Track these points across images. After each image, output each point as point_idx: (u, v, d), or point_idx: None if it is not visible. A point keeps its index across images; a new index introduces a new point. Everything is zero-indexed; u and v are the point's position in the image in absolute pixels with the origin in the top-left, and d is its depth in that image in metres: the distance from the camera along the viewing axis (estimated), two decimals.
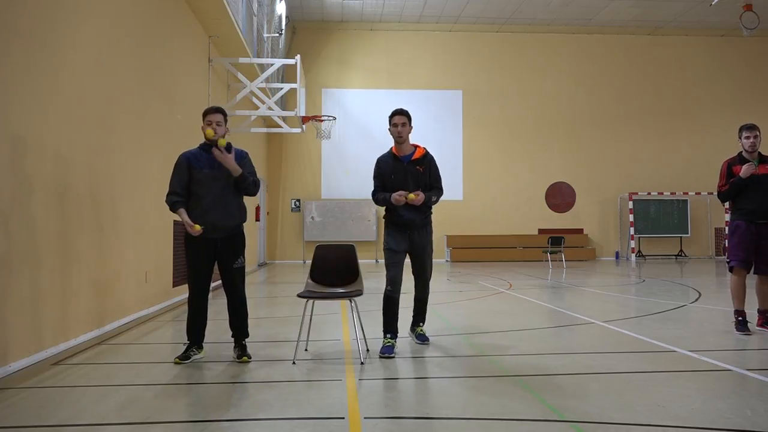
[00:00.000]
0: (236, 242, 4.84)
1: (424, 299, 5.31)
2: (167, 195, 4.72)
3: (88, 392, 3.91)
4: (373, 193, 5.15)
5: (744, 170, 5.61)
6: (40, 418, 3.35)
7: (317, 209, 19.69)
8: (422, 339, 5.27)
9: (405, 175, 5.02)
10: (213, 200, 4.64)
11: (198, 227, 4.54)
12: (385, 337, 4.96)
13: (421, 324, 5.39)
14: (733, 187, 5.73)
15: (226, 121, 4.83)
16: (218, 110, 4.81)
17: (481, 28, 20.49)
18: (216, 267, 4.87)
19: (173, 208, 4.67)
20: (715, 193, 6.06)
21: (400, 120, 5.02)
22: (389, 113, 5.08)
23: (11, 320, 4.30)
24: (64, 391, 3.93)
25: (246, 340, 4.86)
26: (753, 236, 5.66)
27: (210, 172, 4.67)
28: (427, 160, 5.13)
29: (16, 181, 4.40)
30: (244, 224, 4.96)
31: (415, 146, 5.15)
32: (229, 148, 4.76)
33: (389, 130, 5.09)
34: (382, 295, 5.03)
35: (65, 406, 3.56)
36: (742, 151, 5.84)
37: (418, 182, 5.04)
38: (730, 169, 5.84)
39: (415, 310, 5.37)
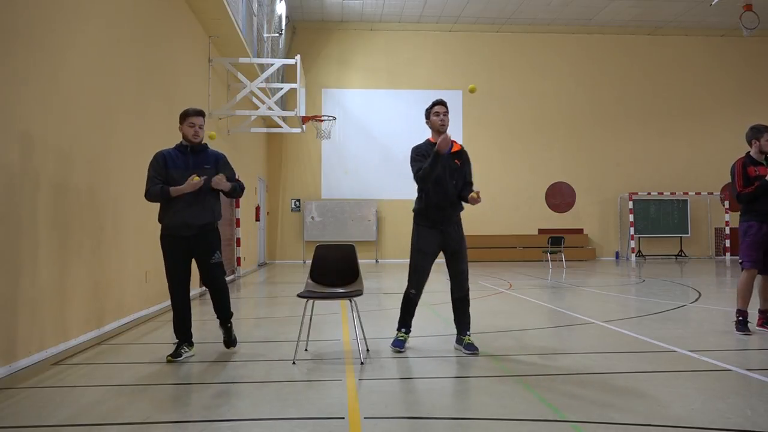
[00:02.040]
0: (210, 238, 4.87)
1: (465, 299, 4.97)
2: (149, 189, 4.71)
3: (88, 392, 3.91)
4: (416, 171, 4.91)
5: None
6: (40, 418, 3.35)
7: (317, 209, 19.68)
8: (471, 349, 4.78)
9: (444, 168, 4.92)
10: (187, 200, 4.69)
11: (195, 177, 4.59)
12: (399, 331, 5.02)
13: (468, 333, 4.94)
14: (758, 189, 5.65)
15: (204, 122, 4.96)
16: (201, 112, 4.92)
17: (481, 28, 20.48)
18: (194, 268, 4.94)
19: (162, 192, 4.64)
20: (717, 194, 6.07)
21: (442, 109, 5.04)
22: (429, 105, 5.10)
23: (11, 320, 4.31)
24: (64, 391, 3.93)
25: (232, 319, 5.00)
26: (765, 236, 5.69)
27: (186, 173, 4.72)
28: (464, 154, 5.11)
29: (15, 182, 4.40)
30: (225, 221, 5.05)
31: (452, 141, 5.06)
32: (204, 148, 4.93)
33: (429, 121, 5.08)
34: (403, 294, 5.06)
35: (65, 406, 3.56)
36: (750, 152, 5.83)
37: (454, 176, 4.96)
38: (745, 169, 5.78)
39: (456, 316, 5.00)
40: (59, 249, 5.04)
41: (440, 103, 5.07)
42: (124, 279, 6.57)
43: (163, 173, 4.73)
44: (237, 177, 5.05)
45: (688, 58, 21.17)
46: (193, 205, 4.71)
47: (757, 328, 5.78)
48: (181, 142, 4.89)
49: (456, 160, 5.02)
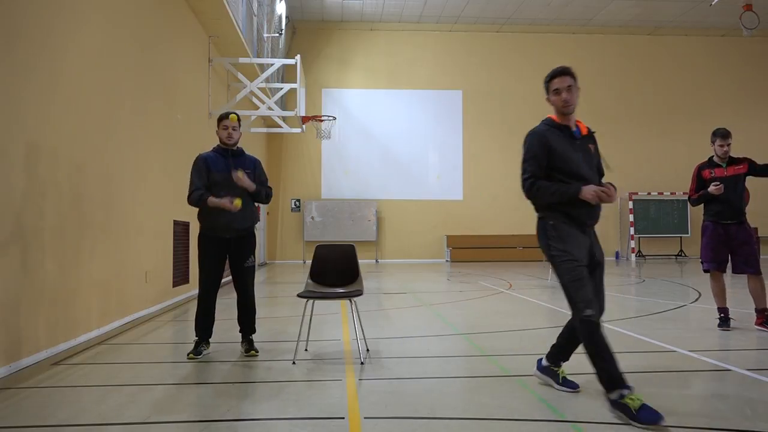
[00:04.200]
0: (247, 242, 5.01)
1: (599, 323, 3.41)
2: (191, 193, 4.86)
3: (88, 392, 3.91)
4: (529, 181, 3.67)
5: (713, 190, 5.79)
6: (40, 418, 3.35)
7: (317, 209, 19.69)
8: (572, 386, 3.76)
9: (583, 157, 3.60)
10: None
11: (238, 201, 4.70)
12: (622, 393, 3.22)
13: (561, 365, 3.85)
14: (701, 198, 5.99)
15: (240, 124, 5.08)
16: (234, 114, 5.04)
17: (481, 28, 20.48)
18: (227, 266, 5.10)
19: (200, 200, 4.81)
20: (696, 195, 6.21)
21: (563, 82, 3.58)
22: (546, 77, 3.69)
23: (12, 320, 4.31)
24: (64, 391, 3.93)
25: (253, 335, 5.05)
26: (722, 236, 5.87)
27: (227, 175, 4.85)
28: (594, 138, 3.79)
29: (15, 182, 4.40)
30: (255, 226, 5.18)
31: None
32: (242, 152, 5.07)
33: (549, 99, 3.71)
34: (580, 326, 3.39)
35: (65, 406, 3.56)
36: (713, 156, 6.07)
37: (591, 166, 3.63)
38: (699, 173, 6.09)
39: (567, 344, 3.90)
40: (59, 249, 5.04)
41: (562, 72, 3.60)
42: (124, 279, 6.57)
43: (206, 176, 4.86)
44: (268, 183, 5.18)
45: (688, 58, 21.17)
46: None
47: (756, 327, 5.80)
48: (218, 145, 5.02)
49: (590, 145, 3.71)
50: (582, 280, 3.42)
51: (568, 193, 3.47)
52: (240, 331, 5.02)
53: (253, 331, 5.04)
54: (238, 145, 5.10)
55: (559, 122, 3.69)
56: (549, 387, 3.84)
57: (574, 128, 3.67)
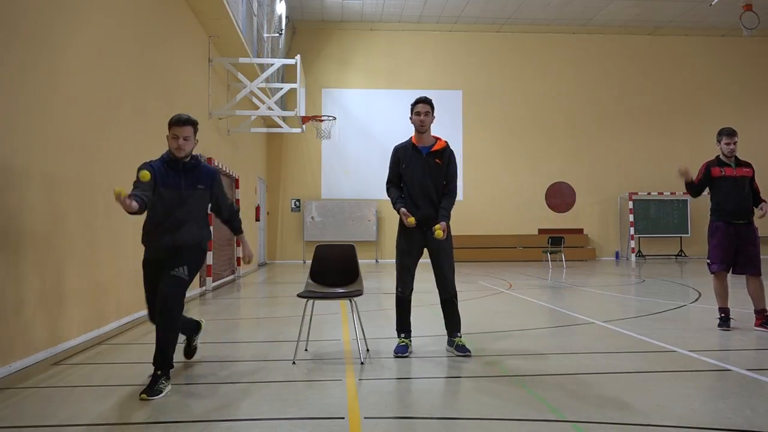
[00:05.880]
0: (186, 254, 4.11)
1: (451, 301, 4.88)
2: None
3: (88, 392, 3.92)
4: (387, 184, 5.00)
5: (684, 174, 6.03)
6: (40, 418, 3.35)
7: (317, 209, 19.68)
8: (463, 351, 4.72)
9: (423, 167, 4.82)
10: (171, 222, 4.11)
11: (118, 189, 3.73)
12: (399, 336, 4.91)
13: (458, 334, 4.86)
14: (701, 186, 6.06)
15: (196, 132, 4.17)
16: (188, 122, 4.08)
17: (481, 28, 20.48)
18: None
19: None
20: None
21: (423, 108, 4.84)
22: (412, 102, 4.93)
23: (12, 320, 4.31)
24: (64, 391, 3.93)
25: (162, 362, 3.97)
26: (732, 237, 5.85)
27: (175, 194, 4.11)
28: (447, 153, 4.93)
29: (15, 182, 4.40)
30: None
31: (436, 138, 4.97)
32: (196, 162, 4.23)
33: (411, 118, 4.91)
34: (394, 296, 4.97)
35: (65, 406, 3.56)
36: (719, 155, 6.08)
37: (434, 176, 4.83)
38: (708, 170, 6.07)
39: (445, 318, 4.94)
40: (59, 249, 5.04)
41: (423, 101, 4.87)
42: (124, 279, 6.57)
43: (150, 188, 4.04)
44: (229, 200, 4.52)
45: (688, 58, 21.16)
46: (174, 228, 4.11)
47: (755, 328, 5.80)
48: (168, 152, 4.15)
49: (437, 160, 4.86)
50: (402, 267, 4.85)
51: (395, 205, 4.83)
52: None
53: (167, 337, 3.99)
54: (194, 152, 4.27)
55: (414, 141, 4.92)
56: (548, 387, 3.84)
57: (425, 145, 4.88)
